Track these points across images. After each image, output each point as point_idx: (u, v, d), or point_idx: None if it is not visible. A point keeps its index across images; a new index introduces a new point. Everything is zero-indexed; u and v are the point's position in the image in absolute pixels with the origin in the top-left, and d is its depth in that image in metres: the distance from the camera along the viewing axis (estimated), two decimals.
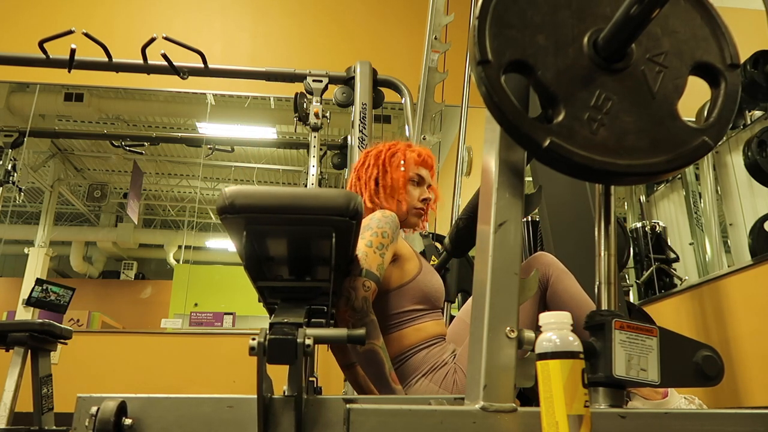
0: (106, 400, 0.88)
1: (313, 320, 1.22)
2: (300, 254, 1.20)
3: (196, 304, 5.45)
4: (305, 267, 1.24)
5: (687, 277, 3.00)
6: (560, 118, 0.80)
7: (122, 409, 0.89)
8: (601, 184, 0.91)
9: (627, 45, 0.83)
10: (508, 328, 0.78)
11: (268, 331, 0.90)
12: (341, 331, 0.98)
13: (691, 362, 0.82)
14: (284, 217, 1.04)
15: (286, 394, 0.92)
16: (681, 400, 1.31)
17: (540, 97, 0.83)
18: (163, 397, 0.92)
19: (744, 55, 2.12)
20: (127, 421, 0.88)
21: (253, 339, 0.88)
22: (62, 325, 2.35)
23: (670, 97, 0.84)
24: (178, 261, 8.04)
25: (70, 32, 2.93)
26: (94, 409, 0.87)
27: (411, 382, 1.36)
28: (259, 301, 1.27)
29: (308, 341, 0.89)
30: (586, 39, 0.84)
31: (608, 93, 0.82)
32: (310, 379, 1.70)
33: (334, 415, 0.91)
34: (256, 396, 0.88)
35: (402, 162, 1.52)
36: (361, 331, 0.97)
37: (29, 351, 2.24)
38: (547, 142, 0.77)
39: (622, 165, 0.79)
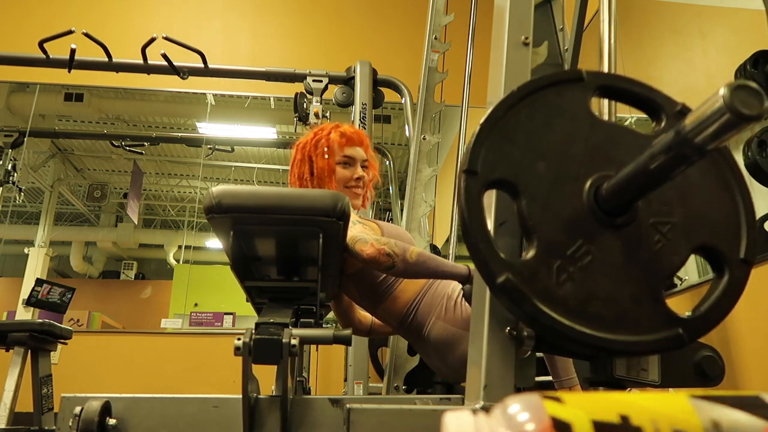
0: (90, 400, 0.88)
1: (302, 320, 1.22)
2: (287, 254, 1.20)
3: (196, 304, 5.45)
4: (293, 267, 1.25)
5: (687, 277, 3.00)
6: (528, 256, 0.72)
7: (106, 409, 0.89)
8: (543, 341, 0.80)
9: (633, 201, 0.73)
10: (508, 328, 0.78)
11: (253, 331, 0.90)
12: (327, 332, 0.99)
13: (691, 362, 0.82)
14: (271, 218, 1.04)
15: (273, 393, 0.92)
16: None
17: (521, 226, 0.75)
18: (147, 397, 0.92)
19: (744, 56, 2.12)
20: (112, 422, 0.88)
21: (239, 339, 0.88)
22: (62, 325, 2.35)
23: (660, 273, 0.75)
24: (178, 261, 8.04)
25: (70, 32, 2.93)
26: (77, 409, 0.86)
27: (429, 329, 1.41)
28: (247, 301, 1.27)
29: (294, 341, 0.89)
30: (590, 181, 0.74)
31: (591, 247, 0.73)
32: (299, 379, 1.71)
33: (320, 415, 0.90)
34: (241, 396, 0.88)
35: (325, 149, 1.51)
36: (347, 332, 0.98)
37: (29, 351, 2.24)
38: (502, 279, 0.70)
39: (574, 330, 0.69)
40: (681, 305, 2.48)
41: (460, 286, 1.44)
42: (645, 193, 0.72)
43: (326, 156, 1.50)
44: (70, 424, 0.86)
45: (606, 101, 0.93)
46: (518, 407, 0.44)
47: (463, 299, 1.43)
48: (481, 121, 0.76)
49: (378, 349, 3.16)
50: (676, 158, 0.64)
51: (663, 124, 0.78)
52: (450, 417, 0.46)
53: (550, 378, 1.86)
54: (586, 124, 0.78)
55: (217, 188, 1.04)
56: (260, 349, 0.88)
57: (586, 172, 0.75)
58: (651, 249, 0.74)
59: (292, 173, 1.55)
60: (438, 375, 1.57)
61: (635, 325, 0.72)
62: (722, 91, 0.55)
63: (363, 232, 1.32)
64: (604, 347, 0.71)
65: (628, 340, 0.71)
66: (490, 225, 0.82)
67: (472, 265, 1.23)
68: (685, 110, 0.78)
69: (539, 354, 1.35)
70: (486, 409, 0.73)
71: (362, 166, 1.54)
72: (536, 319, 0.70)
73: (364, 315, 1.63)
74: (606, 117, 0.93)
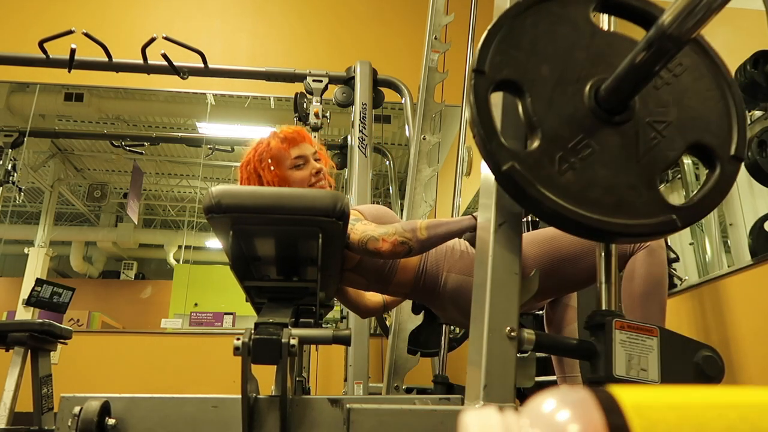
0: (90, 400, 0.88)
1: (301, 320, 1.22)
2: (287, 254, 1.20)
3: (196, 304, 5.45)
4: (292, 267, 1.25)
5: (687, 277, 3.00)
6: (532, 147, 0.76)
7: (106, 409, 0.89)
8: (548, 225, 0.87)
9: (628, 98, 0.78)
10: (508, 328, 0.78)
11: (252, 331, 0.90)
12: (326, 332, 0.99)
13: (691, 362, 0.82)
14: (270, 218, 1.04)
15: (273, 393, 0.92)
16: None
17: (525, 123, 0.80)
18: (147, 396, 0.92)
19: (744, 56, 2.12)
20: (111, 421, 0.88)
21: (238, 339, 0.88)
22: (62, 325, 2.35)
23: (656, 166, 0.79)
24: (178, 261, 8.04)
25: (70, 32, 2.93)
26: (77, 409, 0.86)
27: (443, 284, 1.45)
28: (247, 301, 1.27)
29: (293, 341, 0.89)
30: (590, 83, 0.80)
31: (591, 140, 0.78)
32: (298, 379, 1.72)
33: (319, 414, 0.91)
34: (240, 396, 0.88)
35: (270, 161, 1.50)
36: (347, 332, 0.98)
37: (29, 351, 2.24)
38: (506, 166, 0.74)
39: (575, 213, 0.74)
40: (681, 305, 2.48)
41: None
42: (637, 89, 0.77)
43: (272, 168, 1.49)
44: (70, 423, 0.86)
45: (606, 18, 0.96)
46: (561, 405, 0.33)
47: (467, 245, 1.49)
48: (489, 26, 0.80)
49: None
50: (658, 52, 0.70)
51: None
52: (471, 417, 0.36)
53: (550, 378, 1.86)
54: (587, 32, 0.83)
55: (217, 188, 1.04)
56: (259, 349, 0.88)
57: (586, 75, 0.80)
58: (648, 144, 0.80)
59: None
60: (456, 326, 1.60)
61: (632, 211, 0.77)
62: None
63: (367, 229, 1.32)
64: (603, 229, 0.75)
65: (626, 223, 0.76)
66: (498, 125, 0.86)
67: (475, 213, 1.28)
68: None
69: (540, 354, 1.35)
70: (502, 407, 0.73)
71: (315, 159, 1.54)
72: (540, 204, 0.74)
73: (374, 295, 1.67)
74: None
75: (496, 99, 0.87)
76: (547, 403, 0.34)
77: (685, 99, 0.83)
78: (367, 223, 1.37)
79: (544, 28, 0.82)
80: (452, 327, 2.37)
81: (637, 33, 0.84)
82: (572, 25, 0.82)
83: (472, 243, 1.42)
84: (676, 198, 3.69)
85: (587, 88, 0.79)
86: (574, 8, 0.83)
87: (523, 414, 0.35)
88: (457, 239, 1.50)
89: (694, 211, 0.79)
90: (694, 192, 0.80)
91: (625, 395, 0.31)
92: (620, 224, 0.75)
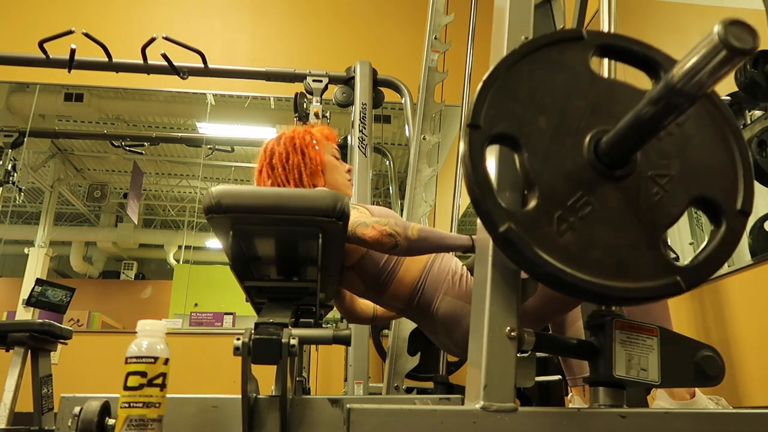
0: (90, 400, 0.88)
1: (301, 320, 1.22)
2: (287, 254, 1.20)
3: (196, 304, 5.45)
4: (292, 267, 1.25)
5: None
6: (530, 206, 0.73)
7: (106, 409, 0.89)
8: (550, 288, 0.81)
9: (631, 152, 0.75)
10: (508, 328, 0.78)
11: (252, 331, 0.90)
12: (326, 332, 0.99)
13: (691, 362, 0.82)
14: (270, 218, 1.04)
15: (273, 394, 0.92)
16: (707, 401, 1.30)
17: (523, 179, 0.77)
18: None
19: None
20: (111, 422, 0.88)
21: (238, 339, 0.88)
22: (62, 325, 2.35)
23: (658, 224, 0.76)
24: (178, 261, 8.04)
25: (70, 32, 2.93)
26: (77, 409, 0.86)
27: (437, 305, 1.41)
28: (247, 301, 1.27)
29: (293, 341, 0.89)
30: (590, 135, 0.76)
31: (591, 198, 0.74)
32: (298, 379, 1.72)
33: (319, 415, 0.91)
34: (240, 396, 0.88)
35: (314, 142, 1.52)
36: (347, 332, 0.98)
37: (29, 351, 2.24)
38: (504, 227, 0.71)
39: (575, 277, 0.71)
40: (681, 305, 2.48)
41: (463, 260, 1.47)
42: (641, 143, 0.74)
43: (317, 147, 1.50)
44: (70, 424, 0.86)
45: (606, 62, 0.94)
46: None
47: (468, 272, 1.44)
48: (484, 77, 0.77)
49: (380, 332, 3.16)
50: (667, 107, 0.66)
51: None
52: None
53: (550, 378, 1.86)
54: (586, 80, 0.79)
55: (217, 188, 1.04)
56: (259, 349, 0.88)
57: (586, 126, 0.77)
58: (650, 200, 0.76)
59: (274, 167, 1.50)
60: (446, 352, 1.59)
61: (634, 273, 0.73)
62: (716, 28, 0.56)
63: (361, 217, 1.32)
64: (604, 294, 0.72)
65: (628, 287, 0.72)
66: (493, 180, 0.83)
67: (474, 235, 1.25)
68: None
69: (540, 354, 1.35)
70: (486, 409, 0.73)
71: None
72: (537, 267, 0.71)
73: (366, 304, 1.65)
74: (606, 75, 0.94)
75: (492, 149, 0.83)
76: None
77: (688, 150, 0.79)
78: (363, 212, 1.37)
79: (541, 76, 0.78)
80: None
81: (637, 76, 0.82)
82: (571, 73, 0.79)
83: (472, 270, 1.40)
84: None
85: (587, 140, 0.76)
86: (572, 54, 0.80)
87: None
88: (459, 265, 1.47)
89: (699, 272, 0.75)
90: (701, 249, 0.76)
91: None
92: (622, 288, 0.72)
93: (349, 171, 1.56)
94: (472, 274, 1.39)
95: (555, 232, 0.72)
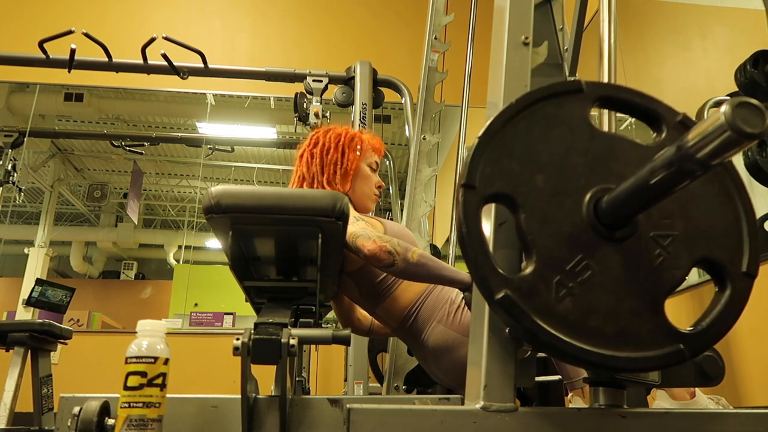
0: (89, 400, 0.88)
1: (301, 320, 1.22)
2: (286, 254, 1.20)
3: (196, 304, 5.45)
4: (292, 267, 1.24)
5: (687, 277, 3.00)
6: (527, 272, 0.71)
7: (105, 409, 0.89)
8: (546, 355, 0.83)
9: (633, 215, 0.73)
10: (508, 328, 0.78)
11: (252, 331, 0.90)
12: (326, 332, 0.99)
13: (691, 362, 0.82)
14: (270, 217, 1.04)
15: (273, 394, 0.92)
16: (707, 401, 1.30)
17: (520, 241, 0.75)
18: None
19: (744, 55, 2.12)
20: (110, 422, 0.88)
21: (237, 339, 0.88)
22: (62, 325, 2.35)
23: (661, 287, 0.74)
24: (178, 261, 8.04)
25: (70, 32, 2.93)
26: (76, 410, 0.86)
27: (428, 333, 1.40)
28: (246, 301, 1.27)
29: (293, 341, 0.89)
30: (589, 194, 0.74)
31: (591, 261, 0.72)
32: (298, 379, 1.71)
33: (318, 415, 0.91)
34: (240, 396, 0.88)
35: (358, 147, 1.52)
36: (346, 332, 0.98)
37: (29, 351, 2.24)
38: (500, 295, 0.69)
39: (574, 347, 0.69)
40: (681, 305, 2.48)
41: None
42: (646, 207, 0.71)
43: (358, 153, 1.50)
44: (69, 424, 0.86)
45: (606, 111, 0.92)
46: None
47: (465, 306, 1.42)
48: (479, 134, 0.75)
49: (378, 354, 3.15)
50: (679, 173, 0.63)
51: (664, 134, 0.77)
52: None
53: (550, 378, 1.86)
54: (585, 135, 0.77)
55: (216, 188, 1.04)
56: (259, 349, 0.88)
57: (585, 184, 0.74)
58: (652, 263, 0.73)
59: (313, 157, 1.50)
60: (432, 378, 1.58)
61: (636, 341, 0.71)
62: (724, 108, 0.54)
63: (365, 229, 1.31)
64: (604, 364, 0.70)
65: (629, 357, 0.70)
66: (489, 236, 0.81)
67: None
68: (686, 120, 0.78)
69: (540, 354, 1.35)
70: (486, 409, 0.73)
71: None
72: (535, 336, 0.69)
73: (364, 314, 1.63)
74: (606, 127, 0.91)
75: (488, 207, 0.80)
76: None
77: (691, 209, 0.76)
78: (370, 226, 1.37)
79: (538, 132, 0.76)
80: None
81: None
82: (569, 128, 0.77)
83: (470, 304, 1.39)
84: None
85: (586, 200, 0.74)
86: (570, 108, 0.77)
87: None
88: (459, 297, 1.45)
89: (704, 339, 0.73)
90: (704, 313, 0.74)
91: None
92: (623, 358, 0.70)
93: (379, 187, 1.56)
94: (470, 308, 1.39)
95: (553, 298, 0.70)
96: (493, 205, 0.83)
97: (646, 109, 0.78)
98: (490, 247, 0.76)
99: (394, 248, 1.26)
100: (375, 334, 1.68)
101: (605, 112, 0.91)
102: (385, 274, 1.42)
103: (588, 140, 0.77)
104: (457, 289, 1.45)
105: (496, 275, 0.70)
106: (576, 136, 0.77)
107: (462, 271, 1.29)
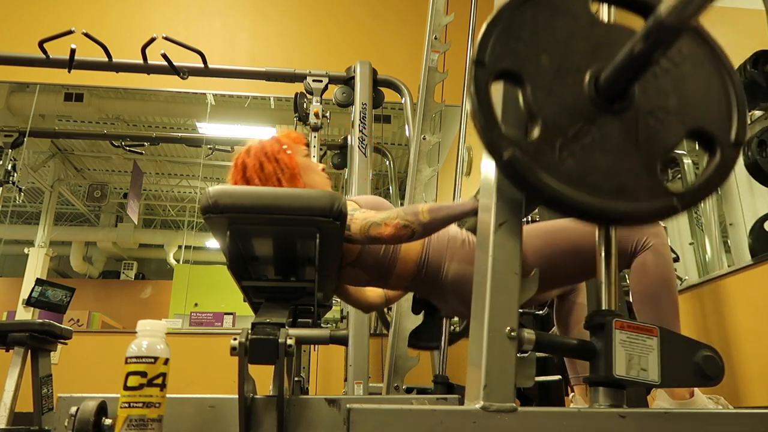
0: (87, 400, 0.88)
1: (299, 320, 1.22)
2: (284, 254, 1.20)
3: (196, 304, 5.45)
4: (290, 267, 1.24)
5: (687, 277, 3.00)
6: (533, 136, 0.77)
7: (102, 409, 0.89)
8: (553, 211, 0.89)
9: (627, 87, 0.80)
10: (508, 328, 0.78)
11: (249, 331, 0.90)
12: (323, 332, 0.99)
13: (691, 362, 0.82)
14: (267, 218, 1.04)
15: (271, 394, 0.92)
16: (707, 401, 1.30)
17: (526, 113, 0.81)
18: None
19: (744, 55, 2.12)
20: (108, 421, 0.88)
21: (235, 339, 0.88)
22: (62, 325, 2.35)
23: (655, 151, 0.80)
24: (178, 261, 8.04)
25: (70, 32, 2.93)
26: (73, 409, 0.86)
27: (445, 273, 1.45)
28: (244, 301, 1.27)
29: (290, 341, 0.89)
30: (590, 72, 0.81)
31: (591, 128, 0.79)
32: (296, 379, 1.72)
33: (316, 415, 0.91)
34: (237, 396, 0.88)
35: (284, 147, 1.50)
36: (344, 332, 0.98)
37: (29, 351, 2.24)
38: (508, 154, 0.75)
39: (576, 197, 0.75)
40: (681, 305, 2.48)
41: (459, 227, 1.52)
42: (636, 78, 0.78)
43: (289, 152, 1.48)
44: (66, 423, 0.86)
45: (605, 9, 0.97)
46: None
47: (468, 233, 1.49)
48: (488, 19, 0.81)
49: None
50: (655, 41, 0.71)
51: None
52: None
53: (550, 378, 1.86)
54: (586, 23, 0.85)
55: (214, 188, 1.04)
56: (256, 349, 0.88)
57: (586, 64, 0.81)
58: (647, 130, 0.81)
59: (249, 179, 1.43)
60: (458, 316, 1.61)
61: (633, 195, 0.78)
62: None
63: (367, 216, 1.32)
64: (604, 213, 0.77)
65: (627, 208, 0.77)
66: (498, 116, 0.86)
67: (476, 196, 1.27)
68: None
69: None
70: (486, 409, 0.73)
71: None
72: (541, 190, 0.75)
73: (374, 292, 1.67)
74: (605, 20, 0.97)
75: (497, 89, 0.87)
76: None
77: (684, 87, 0.84)
78: (366, 211, 1.37)
79: (543, 19, 0.83)
80: (452, 322, 2.36)
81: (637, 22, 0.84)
82: (572, 17, 0.84)
83: (474, 231, 1.42)
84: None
85: (587, 77, 0.81)
86: (572, 0, 0.85)
87: None
88: (458, 231, 1.51)
89: (695, 196, 0.80)
90: (698, 177, 0.81)
91: None
92: (621, 208, 0.77)
93: (323, 169, 1.56)
94: (475, 234, 1.43)
95: (557, 158, 0.76)
96: (500, 91, 0.87)
97: (642, 2, 0.86)
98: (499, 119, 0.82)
99: (406, 220, 1.29)
100: (393, 301, 1.73)
101: (604, 8, 0.97)
102: (384, 246, 1.44)
103: (588, 27, 0.84)
104: (453, 225, 1.51)
105: (504, 138, 0.76)
106: (577, 23, 0.84)
107: (464, 201, 1.36)
